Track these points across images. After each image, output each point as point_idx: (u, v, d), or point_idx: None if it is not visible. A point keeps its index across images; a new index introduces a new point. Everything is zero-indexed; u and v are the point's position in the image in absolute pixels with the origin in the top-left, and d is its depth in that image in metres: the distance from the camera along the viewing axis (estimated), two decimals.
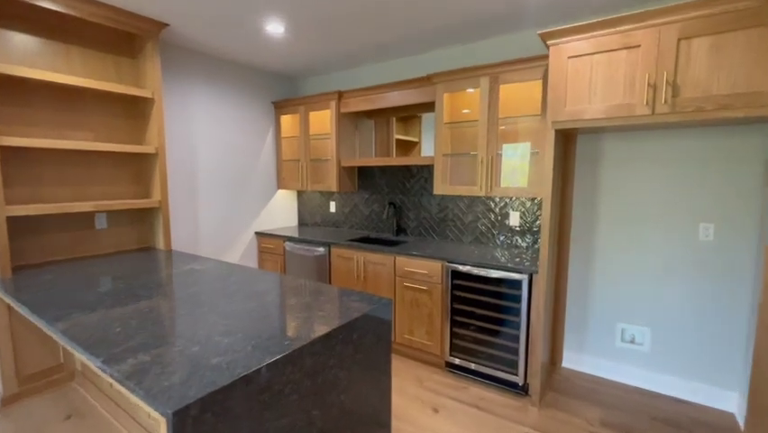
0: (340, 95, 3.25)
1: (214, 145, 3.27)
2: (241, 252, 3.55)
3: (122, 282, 1.85)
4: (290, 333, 1.24)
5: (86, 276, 1.96)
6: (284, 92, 3.85)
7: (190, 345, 1.16)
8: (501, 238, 2.85)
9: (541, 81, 2.34)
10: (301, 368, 1.14)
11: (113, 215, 2.61)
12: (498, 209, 2.84)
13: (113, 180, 2.60)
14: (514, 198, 2.76)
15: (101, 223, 2.56)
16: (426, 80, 2.79)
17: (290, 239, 3.38)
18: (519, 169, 2.46)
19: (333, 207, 3.81)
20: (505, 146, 2.48)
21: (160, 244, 2.71)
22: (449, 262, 2.50)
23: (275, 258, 3.56)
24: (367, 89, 3.09)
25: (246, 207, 3.59)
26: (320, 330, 1.25)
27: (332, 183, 3.39)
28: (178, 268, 2.15)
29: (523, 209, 2.73)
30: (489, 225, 2.89)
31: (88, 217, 2.50)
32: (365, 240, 3.33)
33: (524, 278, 2.23)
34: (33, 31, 2.20)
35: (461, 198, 3.02)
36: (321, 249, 3.15)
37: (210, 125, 3.22)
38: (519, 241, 2.77)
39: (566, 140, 2.50)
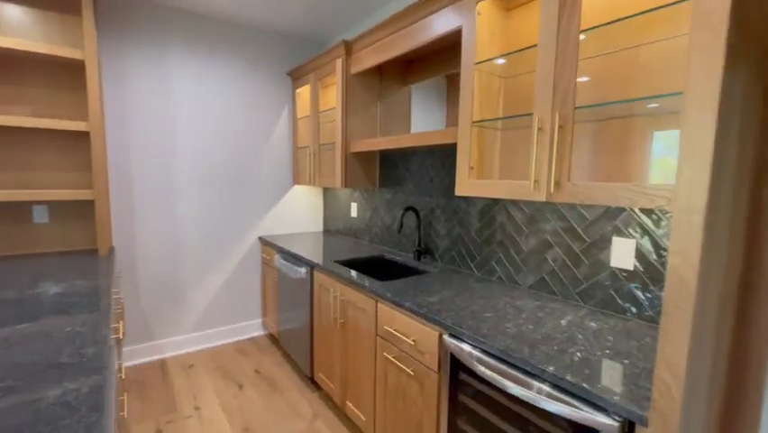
0: (347, 47, 2.22)
1: (202, 127, 2.62)
2: (236, 261, 2.84)
3: None
4: None
5: None
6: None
7: None
8: (595, 290, 1.40)
9: None
10: None
11: (56, 207, 2.16)
12: (587, 230, 1.41)
13: (59, 166, 2.15)
14: (628, 211, 1.29)
15: (40, 216, 2.12)
16: None
17: (281, 251, 2.51)
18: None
19: (354, 210, 2.80)
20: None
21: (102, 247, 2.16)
22: (451, 335, 1.24)
23: (272, 273, 2.75)
24: (381, 27, 1.95)
25: (249, 205, 2.87)
26: None
27: (335, 176, 2.38)
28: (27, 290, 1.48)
29: (640, 232, 1.25)
30: (569, 261, 1.47)
31: (25, 209, 2.09)
32: (369, 264, 2.23)
33: (612, 428, 0.84)
34: None
35: (514, 203, 1.66)
36: (302, 270, 2.19)
37: (197, 102, 2.58)
38: (630, 302, 1.29)
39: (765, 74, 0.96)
